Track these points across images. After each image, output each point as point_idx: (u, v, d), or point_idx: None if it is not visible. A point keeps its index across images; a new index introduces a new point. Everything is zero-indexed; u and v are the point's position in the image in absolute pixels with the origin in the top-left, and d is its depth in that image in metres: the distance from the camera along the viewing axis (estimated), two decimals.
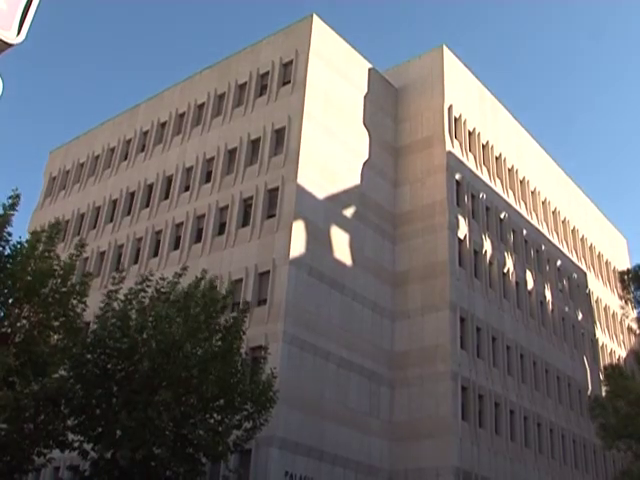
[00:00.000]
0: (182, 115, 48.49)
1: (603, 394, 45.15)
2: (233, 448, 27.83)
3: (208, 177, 43.96)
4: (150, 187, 47.10)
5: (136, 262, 43.85)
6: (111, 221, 48.39)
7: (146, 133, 50.40)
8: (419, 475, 38.91)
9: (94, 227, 49.35)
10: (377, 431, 39.66)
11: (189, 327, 25.82)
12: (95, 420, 25.96)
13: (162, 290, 27.46)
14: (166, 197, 45.57)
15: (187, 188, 44.66)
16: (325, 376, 37.43)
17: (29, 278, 24.19)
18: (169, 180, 46.26)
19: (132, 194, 48.13)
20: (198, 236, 42.14)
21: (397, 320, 43.00)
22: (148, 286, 27.33)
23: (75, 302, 25.81)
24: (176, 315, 26.00)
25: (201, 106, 47.59)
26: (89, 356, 25.52)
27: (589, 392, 52.47)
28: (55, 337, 25.29)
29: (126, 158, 50.77)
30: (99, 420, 25.89)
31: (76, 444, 26.38)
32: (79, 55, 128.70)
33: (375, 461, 38.93)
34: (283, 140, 41.02)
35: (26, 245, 24.69)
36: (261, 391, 27.40)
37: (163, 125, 49.54)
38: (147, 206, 46.44)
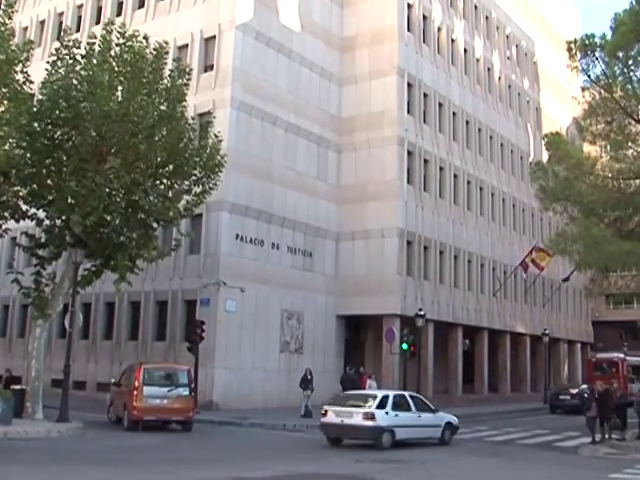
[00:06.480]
0: None
1: (544, 161, 46.35)
2: (184, 213, 28.56)
3: None
4: None
5: (78, 30, 42.16)
6: None
7: None
8: (365, 236, 40.68)
9: None
10: (325, 194, 40.91)
11: (127, 89, 25.67)
12: (46, 189, 26.28)
13: (97, 49, 26.47)
14: None
15: None
16: (273, 141, 37.97)
17: None
18: None
19: None
20: (141, 1, 40.64)
21: (344, 85, 42.99)
22: (92, 49, 26.57)
23: (17, 70, 25.43)
24: (115, 77, 25.79)
25: None
26: (36, 125, 25.35)
27: (531, 159, 53.76)
28: (0, 108, 25.06)
29: None
30: (50, 189, 26.21)
31: (30, 213, 26.96)
32: None
33: (323, 223, 40.46)
34: None
35: None
36: (209, 156, 27.65)
37: None
38: None
